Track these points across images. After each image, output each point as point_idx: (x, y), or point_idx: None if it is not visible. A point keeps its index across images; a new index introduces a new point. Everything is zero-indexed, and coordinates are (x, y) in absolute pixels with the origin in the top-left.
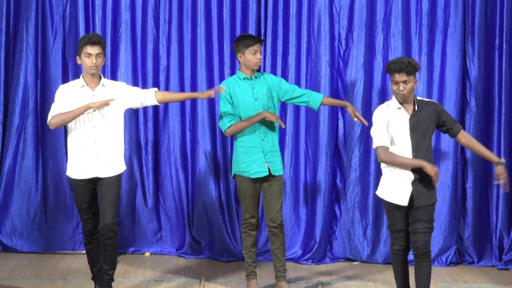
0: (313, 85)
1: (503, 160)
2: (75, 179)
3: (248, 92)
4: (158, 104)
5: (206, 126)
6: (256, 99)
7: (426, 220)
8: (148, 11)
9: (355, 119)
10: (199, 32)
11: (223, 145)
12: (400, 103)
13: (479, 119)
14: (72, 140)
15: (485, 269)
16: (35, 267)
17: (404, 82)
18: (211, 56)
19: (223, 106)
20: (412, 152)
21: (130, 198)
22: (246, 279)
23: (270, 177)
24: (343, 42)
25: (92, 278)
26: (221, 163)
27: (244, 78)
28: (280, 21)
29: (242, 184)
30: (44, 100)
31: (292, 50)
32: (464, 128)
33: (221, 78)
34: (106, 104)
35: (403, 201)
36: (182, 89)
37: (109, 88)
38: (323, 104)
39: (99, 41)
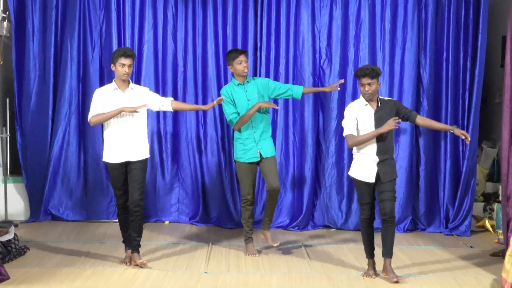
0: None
1: (454, 126)
2: (111, 163)
3: (242, 95)
4: (173, 111)
5: (216, 120)
6: (249, 100)
7: (391, 190)
8: (168, 30)
9: (335, 89)
10: (209, 46)
11: (228, 136)
12: (367, 101)
13: (430, 115)
14: (108, 133)
15: (434, 235)
16: (77, 233)
17: (369, 84)
18: (218, 64)
19: (228, 108)
20: (376, 141)
21: (152, 178)
22: (245, 243)
23: (263, 159)
24: (323, 54)
25: (123, 242)
26: (226, 150)
27: (238, 84)
28: (273, 38)
29: (240, 167)
30: (85, 100)
31: (282, 61)
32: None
33: (226, 82)
34: (135, 111)
35: (371, 178)
36: (195, 91)
37: (136, 91)
38: (305, 93)
39: (131, 55)
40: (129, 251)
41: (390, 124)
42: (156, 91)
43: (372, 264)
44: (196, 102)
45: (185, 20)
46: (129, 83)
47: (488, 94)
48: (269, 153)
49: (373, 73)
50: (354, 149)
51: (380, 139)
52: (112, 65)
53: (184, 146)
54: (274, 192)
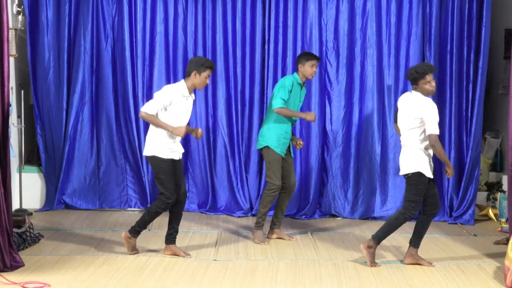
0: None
1: None
2: (169, 159)
3: (297, 94)
4: None
5: (224, 112)
6: (300, 101)
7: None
8: (178, 23)
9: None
10: (218, 39)
11: (236, 127)
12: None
13: None
14: (167, 132)
15: (438, 223)
16: (90, 221)
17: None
18: (227, 57)
19: (284, 93)
20: None
21: None
22: (256, 229)
23: (288, 155)
24: (330, 47)
25: (138, 231)
26: (235, 141)
27: (299, 83)
28: (280, 31)
29: (274, 155)
30: (98, 91)
31: (289, 53)
32: None
33: (235, 74)
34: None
35: (432, 174)
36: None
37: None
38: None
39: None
40: (135, 239)
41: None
42: (167, 82)
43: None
44: (206, 94)
45: (195, 14)
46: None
47: (491, 86)
48: (293, 152)
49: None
50: (422, 145)
51: None
52: (195, 72)
53: (193, 136)
54: (293, 189)
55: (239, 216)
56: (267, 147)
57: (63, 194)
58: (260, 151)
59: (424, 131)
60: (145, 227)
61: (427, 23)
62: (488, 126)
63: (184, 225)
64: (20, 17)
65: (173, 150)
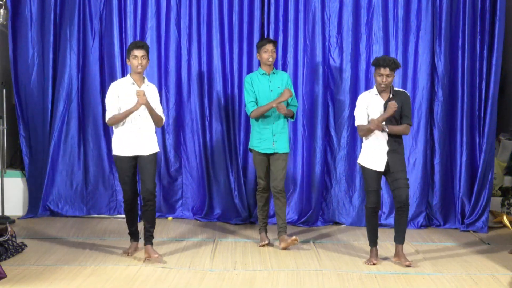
0: (309, 78)
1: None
2: (120, 156)
3: (265, 85)
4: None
5: (221, 112)
6: (271, 91)
7: (404, 178)
8: (171, 17)
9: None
10: (214, 34)
11: (233, 128)
12: (379, 92)
13: (445, 106)
14: (119, 126)
15: (450, 231)
16: (77, 229)
17: (387, 75)
18: (223, 54)
19: (247, 96)
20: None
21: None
22: (259, 232)
23: (276, 153)
24: (333, 42)
25: (129, 233)
26: (232, 143)
27: (262, 74)
28: (280, 25)
29: (254, 156)
30: (84, 90)
31: (290, 49)
32: (432, 116)
33: (231, 71)
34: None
35: (381, 167)
36: (200, 80)
37: (151, 89)
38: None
39: (143, 46)
40: (135, 243)
41: (391, 108)
42: (159, 80)
43: (375, 252)
44: (201, 93)
45: (189, 7)
46: (144, 79)
47: (506, 84)
48: (283, 149)
49: (394, 66)
50: (364, 137)
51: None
52: (127, 59)
53: (189, 138)
54: (278, 191)
55: (236, 224)
56: (250, 148)
57: (47, 200)
58: None
59: None
60: (130, 230)
61: (437, 16)
62: (503, 127)
63: (177, 233)
64: (1, 10)
65: (127, 146)
